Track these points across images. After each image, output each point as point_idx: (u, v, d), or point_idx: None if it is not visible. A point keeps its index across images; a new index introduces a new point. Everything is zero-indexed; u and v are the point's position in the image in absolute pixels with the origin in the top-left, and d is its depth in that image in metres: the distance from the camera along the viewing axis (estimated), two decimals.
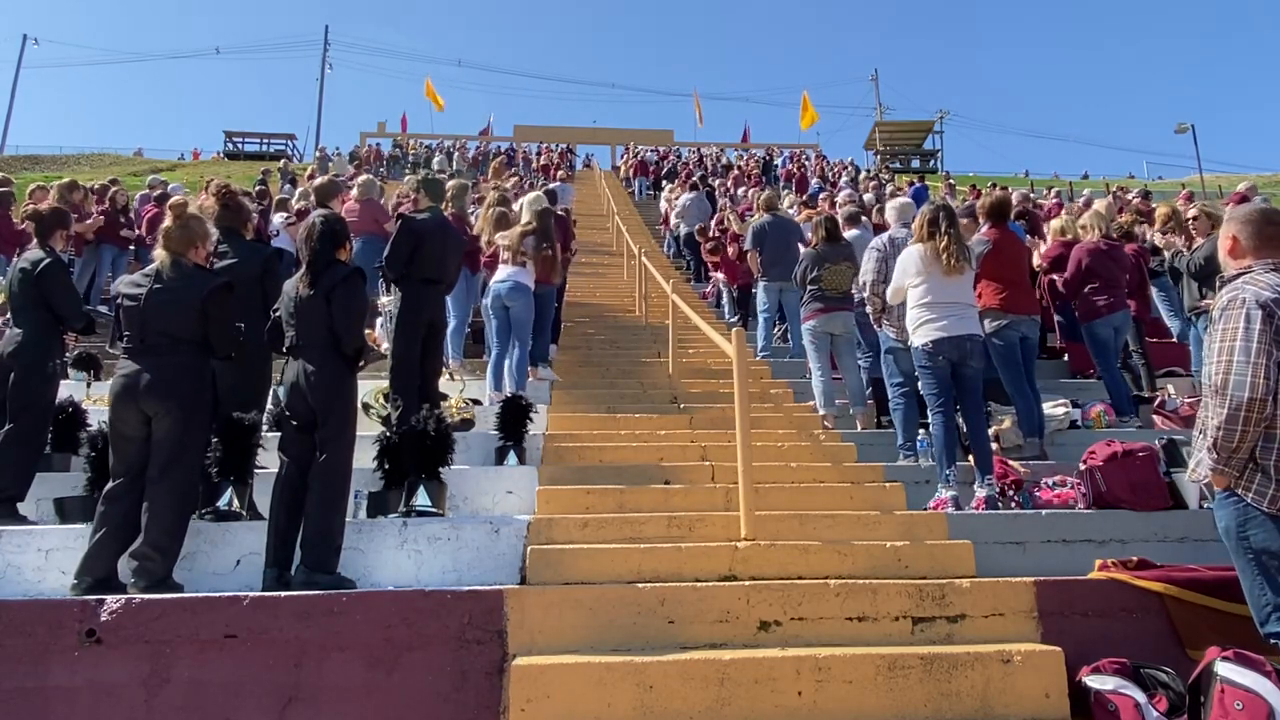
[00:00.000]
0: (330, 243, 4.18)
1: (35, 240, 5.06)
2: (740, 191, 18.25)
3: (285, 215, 9.68)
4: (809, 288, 6.49)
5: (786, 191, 19.84)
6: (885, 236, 5.94)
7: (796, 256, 8.62)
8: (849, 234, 7.49)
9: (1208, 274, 6.36)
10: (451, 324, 7.25)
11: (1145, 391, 7.02)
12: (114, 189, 11.34)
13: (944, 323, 4.96)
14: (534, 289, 7.12)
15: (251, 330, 4.36)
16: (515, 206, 8.32)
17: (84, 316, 5.05)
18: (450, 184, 7.63)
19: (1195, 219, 7.00)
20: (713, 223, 12.62)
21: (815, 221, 7.09)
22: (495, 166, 19.05)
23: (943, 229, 5.04)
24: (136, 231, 11.01)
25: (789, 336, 9.29)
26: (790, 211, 11.20)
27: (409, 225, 5.58)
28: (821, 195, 13.26)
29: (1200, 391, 6.74)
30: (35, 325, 4.77)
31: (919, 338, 5.03)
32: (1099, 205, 7.52)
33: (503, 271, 7.02)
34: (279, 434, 4.27)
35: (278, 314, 4.22)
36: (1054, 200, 17.26)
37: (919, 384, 5.22)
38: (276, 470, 4.13)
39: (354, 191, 10.01)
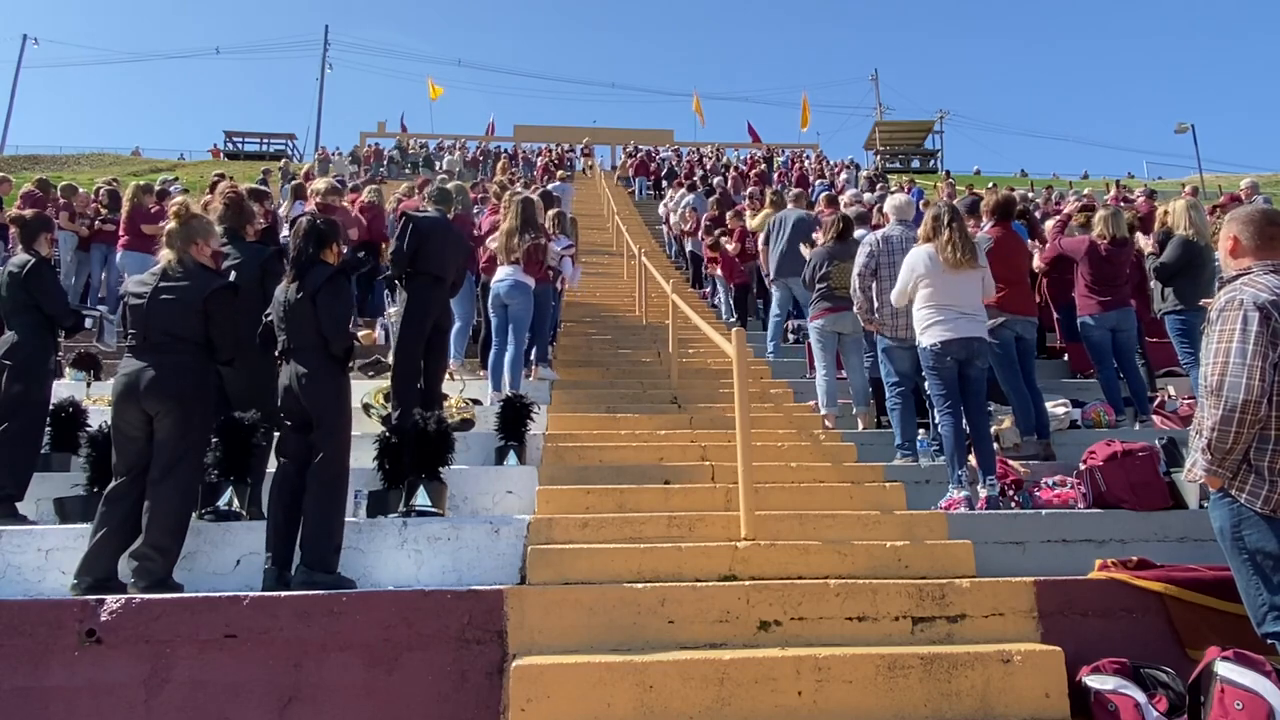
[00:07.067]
0: (316, 242, 4.17)
1: (20, 245, 5.10)
2: (748, 191, 18.25)
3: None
4: (818, 286, 6.46)
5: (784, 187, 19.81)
6: (880, 235, 5.90)
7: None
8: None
9: (1167, 277, 6.41)
10: (455, 324, 7.24)
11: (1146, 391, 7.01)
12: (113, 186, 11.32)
13: (953, 324, 4.95)
14: (533, 288, 7.11)
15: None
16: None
17: (72, 315, 5.10)
18: (449, 185, 7.64)
19: (1166, 214, 6.89)
20: (704, 219, 12.58)
21: (826, 222, 7.06)
22: (502, 164, 19.15)
23: (946, 222, 5.06)
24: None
25: (793, 333, 9.26)
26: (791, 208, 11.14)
27: (413, 222, 5.58)
28: (824, 195, 13.22)
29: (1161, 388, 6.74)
30: (27, 326, 4.81)
31: (927, 338, 5.02)
32: (1102, 211, 7.39)
33: (501, 271, 7.02)
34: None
35: (269, 318, 4.22)
36: (1055, 203, 17.27)
37: (926, 384, 5.21)
38: (274, 470, 4.14)
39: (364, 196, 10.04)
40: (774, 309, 8.84)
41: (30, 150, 34.03)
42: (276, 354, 4.16)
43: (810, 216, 8.85)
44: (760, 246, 9.29)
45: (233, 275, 4.46)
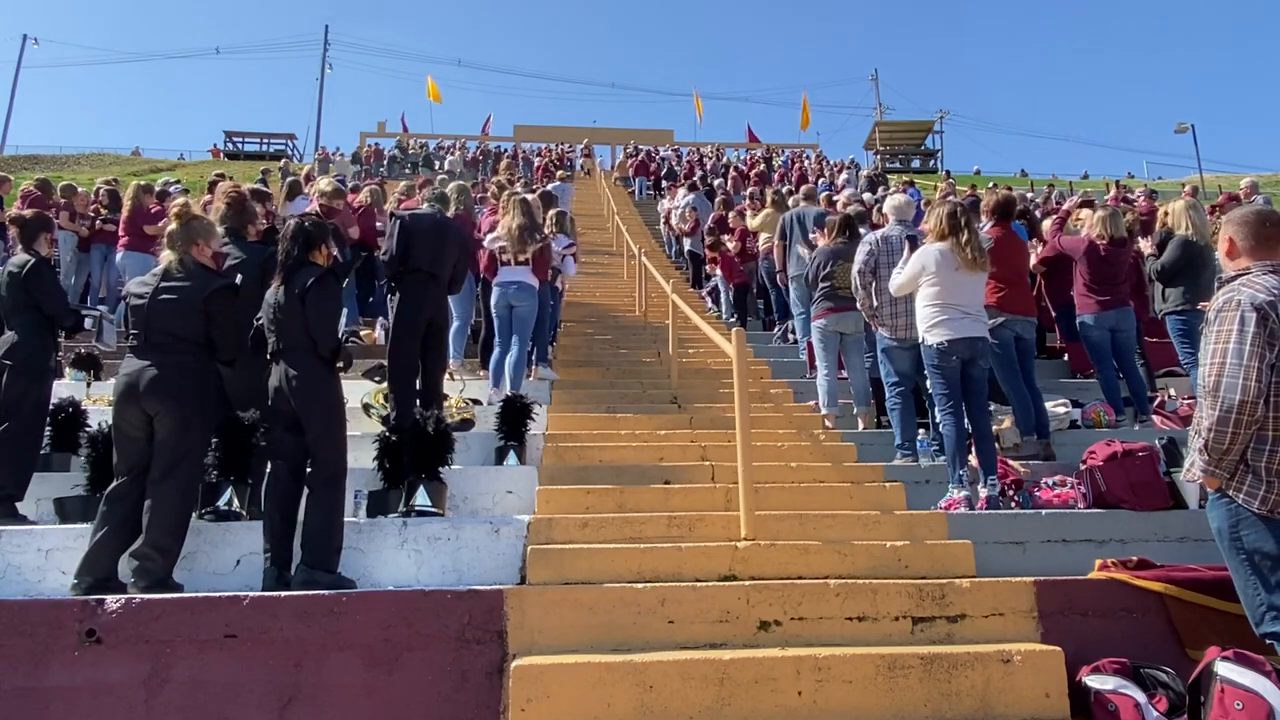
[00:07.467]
0: (303, 244, 4.17)
1: (20, 245, 5.10)
2: (748, 191, 18.27)
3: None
4: (821, 285, 6.44)
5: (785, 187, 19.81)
6: (879, 234, 5.91)
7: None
8: None
9: (1168, 278, 6.43)
10: (454, 324, 7.23)
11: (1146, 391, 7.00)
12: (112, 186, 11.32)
13: (958, 323, 4.95)
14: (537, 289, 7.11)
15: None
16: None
17: (72, 315, 5.09)
18: (450, 186, 7.64)
19: (1166, 215, 6.89)
20: (710, 221, 12.58)
21: (830, 222, 7.05)
22: (505, 164, 19.19)
23: (962, 223, 5.04)
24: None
25: (791, 333, 9.24)
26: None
27: (401, 221, 5.60)
28: (822, 195, 13.22)
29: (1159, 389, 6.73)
30: (28, 327, 4.81)
31: (932, 337, 5.01)
32: (1100, 212, 7.38)
33: (507, 272, 7.01)
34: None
35: (260, 321, 4.22)
36: (1055, 203, 17.28)
37: (929, 383, 5.20)
38: (269, 471, 4.14)
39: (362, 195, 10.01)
40: (798, 306, 8.74)
41: (30, 150, 34.09)
42: (267, 356, 4.16)
43: (828, 213, 8.82)
44: (775, 243, 9.24)
45: (238, 277, 4.46)
